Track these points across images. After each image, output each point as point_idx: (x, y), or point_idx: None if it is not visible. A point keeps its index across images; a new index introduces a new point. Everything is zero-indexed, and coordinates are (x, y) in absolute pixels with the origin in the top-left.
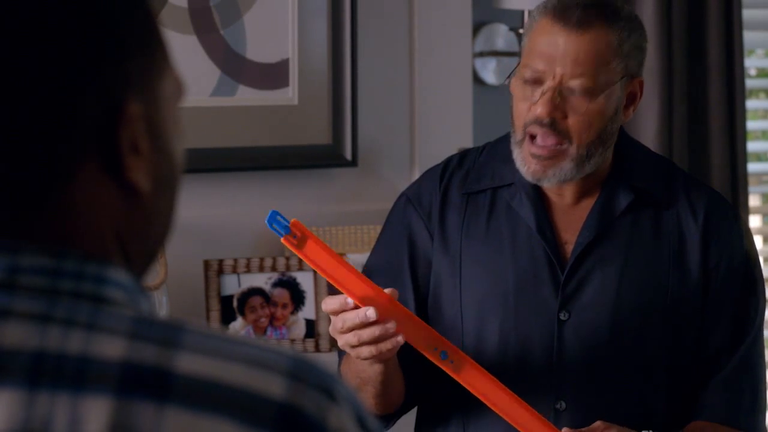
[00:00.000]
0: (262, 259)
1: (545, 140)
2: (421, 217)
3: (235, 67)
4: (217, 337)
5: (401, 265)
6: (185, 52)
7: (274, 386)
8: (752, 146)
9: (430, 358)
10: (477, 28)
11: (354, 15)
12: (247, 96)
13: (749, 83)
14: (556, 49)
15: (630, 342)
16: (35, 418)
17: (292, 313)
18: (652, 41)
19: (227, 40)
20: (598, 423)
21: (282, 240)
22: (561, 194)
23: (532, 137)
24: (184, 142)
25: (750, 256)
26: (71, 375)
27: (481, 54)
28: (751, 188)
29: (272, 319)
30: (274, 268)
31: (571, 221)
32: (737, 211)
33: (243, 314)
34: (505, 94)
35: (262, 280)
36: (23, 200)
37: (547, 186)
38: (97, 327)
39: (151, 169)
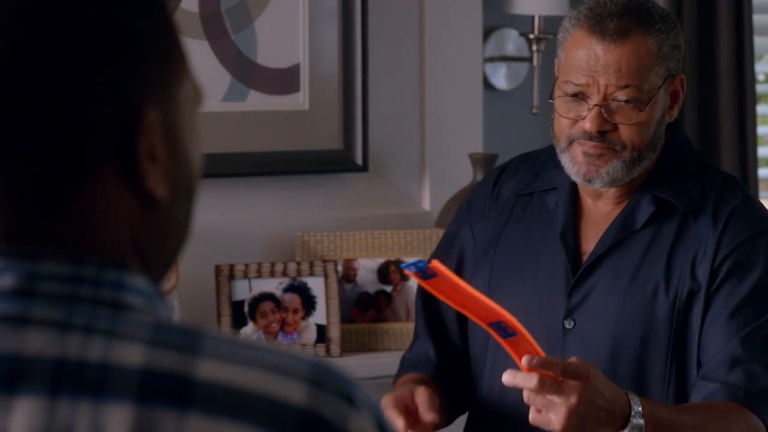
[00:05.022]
0: (273, 264)
1: (595, 148)
2: (470, 220)
3: (246, 72)
4: (237, 343)
5: (451, 260)
6: (196, 58)
7: (294, 392)
8: (762, 151)
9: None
10: (487, 33)
11: (365, 20)
12: (258, 101)
13: (759, 88)
14: (596, 62)
15: (631, 355)
16: (57, 426)
17: (303, 318)
18: None
19: (238, 45)
20: (575, 359)
21: (408, 273)
22: (597, 202)
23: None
24: (200, 149)
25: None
26: (92, 382)
27: (492, 59)
28: (762, 193)
29: (283, 324)
30: (285, 273)
31: (599, 231)
32: (763, 223)
33: (254, 319)
34: (515, 99)
35: (273, 285)
36: (41, 207)
37: (597, 187)
38: (117, 334)
39: (168, 177)
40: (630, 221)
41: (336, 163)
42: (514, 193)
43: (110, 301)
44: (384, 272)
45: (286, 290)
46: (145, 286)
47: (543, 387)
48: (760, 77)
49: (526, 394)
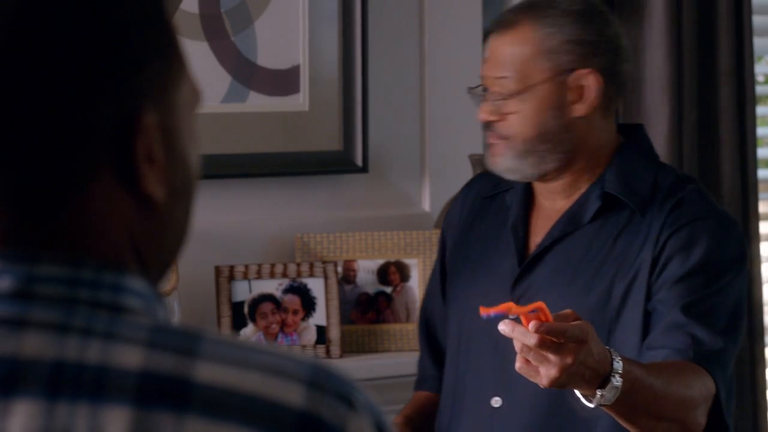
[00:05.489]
0: (273, 265)
1: (491, 138)
2: (445, 230)
3: (246, 73)
4: (235, 346)
5: (436, 274)
6: (196, 59)
7: (292, 394)
8: (762, 152)
9: None
10: (487, 34)
11: (365, 21)
12: (257, 102)
13: (759, 89)
14: (486, 56)
15: None
16: (55, 428)
17: (303, 319)
18: (662, 48)
19: (238, 46)
20: (569, 311)
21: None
22: (549, 198)
23: None
24: (198, 150)
25: (713, 259)
26: (90, 385)
27: None
28: (762, 194)
29: (283, 325)
30: (284, 274)
31: (549, 225)
32: (713, 212)
33: (254, 320)
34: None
35: (272, 286)
36: (39, 209)
37: (502, 174)
38: (115, 336)
39: (166, 178)
40: (578, 215)
41: (336, 164)
42: (478, 195)
43: (108, 303)
44: (384, 273)
45: (286, 291)
46: (144, 288)
47: (543, 345)
48: (760, 78)
49: (518, 344)
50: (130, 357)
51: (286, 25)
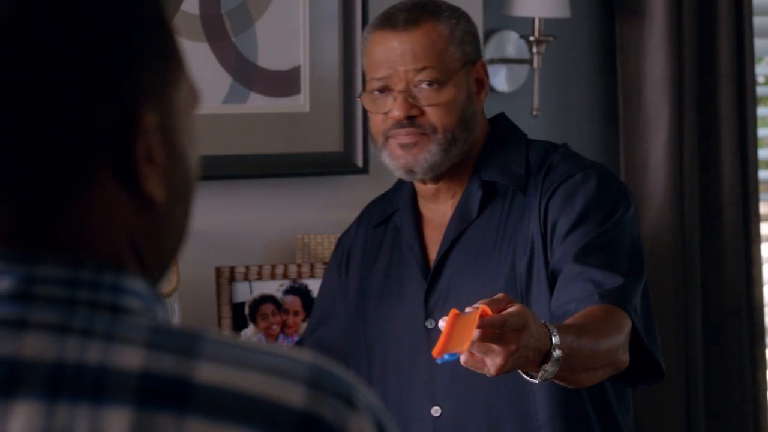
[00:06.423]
0: (273, 267)
1: (408, 137)
2: (337, 264)
3: (246, 74)
4: (235, 346)
5: (333, 306)
6: (197, 60)
7: (293, 395)
8: (762, 153)
9: None
10: (488, 35)
11: (365, 22)
12: (258, 103)
13: (759, 90)
14: (393, 53)
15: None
16: (56, 429)
17: (304, 320)
18: (662, 49)
19: (239, 47)
20: (501, 294)
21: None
22: (434, 205)
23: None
24: (198, 150)
25: (592, 206)
26: (91, 386)
27: (492, 61)
28: (762, 195)
29: (284, 326)
30: (285, 275)
31: (442, 232)
32: (582, 167)
33: (254, 321)
34: (515, 101)
35: (273, 287)
36: (39, 210)
37: (420, 178)
38: (115, 337)
39: (165, 179)
40: (466, 212)
41: (336, 165)
42: (368, 226)
43: (108, 304)
44: None
45: (287, 292)
46: (144, 288)
47: (484, 337)
48: (760, 79)
49: None
50: (130, 358)
51: (287, 26)
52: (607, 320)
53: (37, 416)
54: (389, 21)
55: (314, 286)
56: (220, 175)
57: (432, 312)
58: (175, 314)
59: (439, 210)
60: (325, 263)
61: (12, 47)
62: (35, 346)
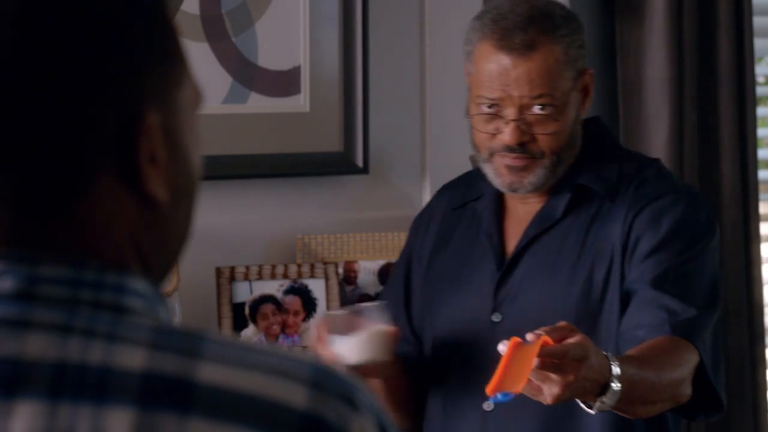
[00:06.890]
0: (273, 267)
1: (517, 161)
2: (411, 246)
3: (246, 74)
4: (238, 347)
5: (399, 283)
6: (197, 60)
7: (295, 395)
8: (762, 153)
9: None
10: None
11: (365, 22)
12: (258, 103)
13: (759, 90)
14: (507, 76)
15: None
16: (58, 429)
17: (304, 320)
18: (662, 49)
19: (239, 47)
20: (564, 323)
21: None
22: (521, 201)
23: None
24: (200, 151)
25: (679, 232)
26: (93, 386)
27: None
28: (762, 195)
29: (284, 326)
30: (285, 275)
31: (524, 227)
32: (674, 189)
33: (255, 321)
34: None
35: (273, 287)
36: (41, 210)
37: (522, 194)
38: (118, 337)
39: (168, 179)
40: (550, 212)
41: (337, 165)
42: (448, 207)
43: (111, 304)
44: (384, 274)
45: (287, 292)
46: (146, 288)
47: (544, 366)
48: (760, 79)
49: None
50: (132, 358)
51: (287, 26)
52: (673, 353)
53: (39, 416)
54: (505, 40)
55: (314, 286)
56: (220, 175)
57: (500, 305)
58: (175, 314)
59: (524, 205)
60: (325, 263)
61: (15, 47)
62: (38, 346)
